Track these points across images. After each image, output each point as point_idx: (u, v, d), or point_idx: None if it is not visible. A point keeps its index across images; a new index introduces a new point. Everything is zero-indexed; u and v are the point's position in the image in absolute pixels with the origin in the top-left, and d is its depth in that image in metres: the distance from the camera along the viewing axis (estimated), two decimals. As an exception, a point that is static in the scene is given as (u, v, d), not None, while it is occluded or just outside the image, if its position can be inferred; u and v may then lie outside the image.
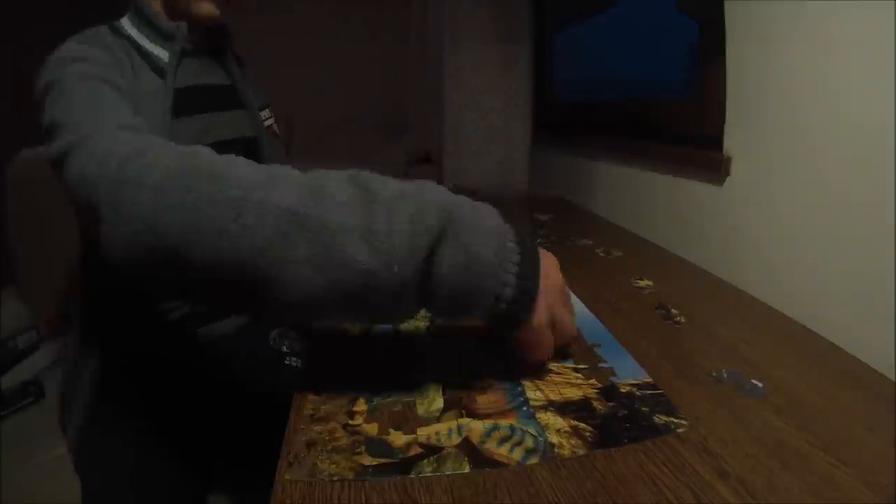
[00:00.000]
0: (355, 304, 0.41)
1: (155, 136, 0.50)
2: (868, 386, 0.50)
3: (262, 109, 0.88)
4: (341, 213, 0.40)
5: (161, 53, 0.73)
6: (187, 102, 0.74)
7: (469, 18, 1.45)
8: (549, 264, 0.48)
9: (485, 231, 0.42)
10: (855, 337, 0.56)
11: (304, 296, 0.40)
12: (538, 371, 0.51)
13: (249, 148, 0.84)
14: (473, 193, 0.46)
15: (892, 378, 0.50)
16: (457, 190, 0.46)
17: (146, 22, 0.74)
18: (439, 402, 0.47)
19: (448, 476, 0.38)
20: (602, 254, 0.89)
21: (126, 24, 0.75)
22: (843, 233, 0.61)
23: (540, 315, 0.45)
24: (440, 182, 0.46)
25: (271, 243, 0.39)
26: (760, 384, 0.49)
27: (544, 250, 0.49)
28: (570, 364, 0.53)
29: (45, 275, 1.39)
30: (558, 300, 0.48)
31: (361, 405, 0.47)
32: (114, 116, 0.52)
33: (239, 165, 0.43)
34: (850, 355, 0.55)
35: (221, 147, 0.58)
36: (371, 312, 0.44)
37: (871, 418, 0.44)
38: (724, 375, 0.50)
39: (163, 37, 0.73)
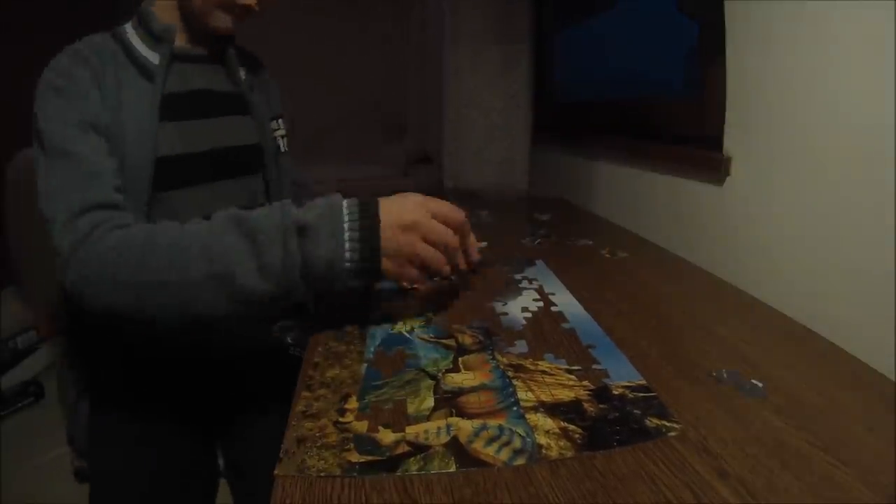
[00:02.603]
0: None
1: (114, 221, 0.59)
2: (868, 386, 0.50)
3: (272, 120, 0.87)
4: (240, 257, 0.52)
5: (151, 56, 0.73)
6: (178, 107, 0.73)
7: (469, 18, 1.45)
8: (393, 217, 0.55)
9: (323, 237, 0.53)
10: (855, 337, 0.56)
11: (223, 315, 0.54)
12: (530, 371, 0.52)
13: (251, 155, 0.82)
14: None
15: (892, 378, 0.50)
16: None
17: (143, 24, 0.74)
18: (430, 401, 0.47)
19: (448, 476, 0.38)
20: (607, 255, 0.89)
21: (129, 25, 0.75)
22: (844, 232, 0.61)
23: (387, 265, 0.55)
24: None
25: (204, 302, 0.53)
26: (760, 384, 0.49)
27: (396, 198, 0.57)
28: (564, 365, 0.53)
29: (45, 275, 1.39)
30: (409, 241, 0.56)
31: (353, 403, 0.48)
32: (78, 204, 0.59)
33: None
34: (850, 355, 0.55)
35: (216, 154, 0.75)
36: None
37: (871, 418, 0.44)
38: (724, 375, 0.50)
39: (153, 38, 0.73)
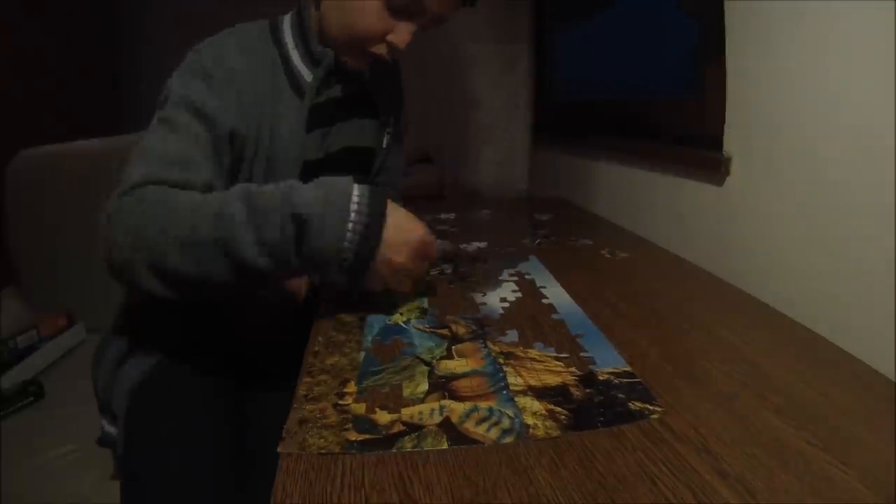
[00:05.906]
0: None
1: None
2: (868, 386, 0.50)
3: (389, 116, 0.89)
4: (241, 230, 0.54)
5: (306, 74, 0.75)
6: (319, 117, 0.76)
7: (469, 18, 1.45)
8: (394, 232, 0.59)
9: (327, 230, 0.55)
10: (855, 337, 0.56)
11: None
12: (519, 358, 0.52)
13: (365, 157, 0.87)
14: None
15: (892, 378, 0.50)
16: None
17: (302, 38, 0.75)
18: (424, 385, 0.50)
19: (449, 475, 0.38)
20: (608, 255, 0.89)
21: (287, 25, 0.76)
22: (843, 232, 0.61)
23: (379, 267, 0.59)
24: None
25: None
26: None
27: (398, 212, 0.61)
28: (553, 353, 0.56)
29: (44, 275, 1.39)
30: (399, 253, 0.60)
31: (352, 387, 0.50)
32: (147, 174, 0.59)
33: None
34: (850, 355, 0.55)
35: (341, 155, 0.81)
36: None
37: (871, 418, 0.44)
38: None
39: (311, 59, 0.75)
